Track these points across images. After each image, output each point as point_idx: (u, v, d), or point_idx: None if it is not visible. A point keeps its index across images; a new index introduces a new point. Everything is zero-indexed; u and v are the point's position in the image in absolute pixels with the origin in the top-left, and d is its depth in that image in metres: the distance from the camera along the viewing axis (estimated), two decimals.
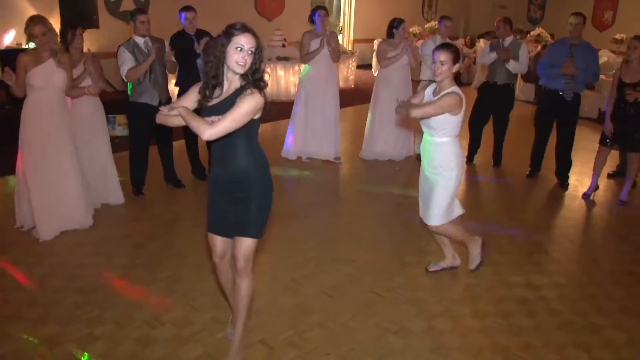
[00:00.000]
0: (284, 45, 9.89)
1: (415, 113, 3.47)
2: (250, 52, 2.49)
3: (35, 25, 3.99)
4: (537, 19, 15.29)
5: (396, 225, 4.76)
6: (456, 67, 3.52)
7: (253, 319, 3.27)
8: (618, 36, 11.94)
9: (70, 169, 4.36)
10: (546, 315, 3.47)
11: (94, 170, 4.77)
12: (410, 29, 12.43)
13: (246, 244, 2.71)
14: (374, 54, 13.42)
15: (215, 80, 2.56)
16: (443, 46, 3.56)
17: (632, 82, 5.14)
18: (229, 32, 2.49)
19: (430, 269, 3.97)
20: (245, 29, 2.50)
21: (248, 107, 2.48)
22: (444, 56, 3.46)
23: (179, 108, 2.50)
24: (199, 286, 3.65)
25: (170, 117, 2.57)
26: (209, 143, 2.65)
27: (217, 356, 2.94)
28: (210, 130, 2.42)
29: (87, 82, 4.55)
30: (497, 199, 5.61)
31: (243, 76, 2.55)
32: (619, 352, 3.14)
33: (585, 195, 5.61)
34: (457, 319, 3.39)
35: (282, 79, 9.58)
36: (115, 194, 4.93)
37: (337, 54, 6.26)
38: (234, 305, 2.96)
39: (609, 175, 6.15)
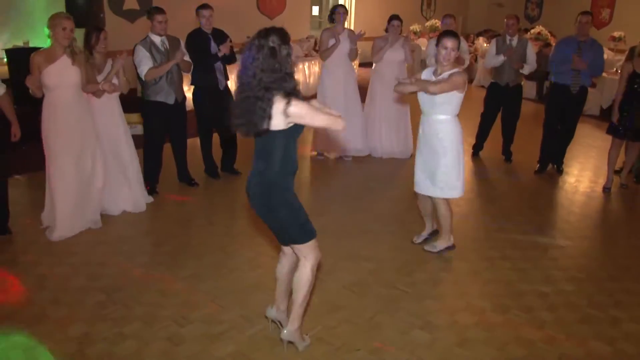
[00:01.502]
0: None
1: (433, 89, 3.70)
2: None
3: (67, 19, 4.06)
4: (535, 16, 15.38)
5: (410, 222, 4.78)
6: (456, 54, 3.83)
7: None
8: (616, 34, 12.03)
9: (89, 168, 4.38)
10: (566, 309, 3.52)
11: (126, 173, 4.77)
12: (411, 27, 12.47)
13: None
14: None
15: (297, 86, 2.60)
16: (450, 33, 3.79)
17: None
18: (287, 40, 2.53)
19: (416, 241, 4.34)
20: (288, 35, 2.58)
21: None
22: (452, 43, 3.72)
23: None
24: (222, 284, 3.67)
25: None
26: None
27: (249, 353, 2.97)
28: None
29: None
30: (507, 194, 5.65)
31: None
32: None
33: (606, 189, 5.79)
34: (480, 313, 3.43)
35: None
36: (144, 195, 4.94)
37: (356, 53, 6.39)
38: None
39: (615, 172, 6.21)
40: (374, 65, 6.59)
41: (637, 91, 5.38)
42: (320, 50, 6.34)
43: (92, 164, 4.39)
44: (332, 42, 6.07)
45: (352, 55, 6.28)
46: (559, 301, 3.61)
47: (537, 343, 3.16)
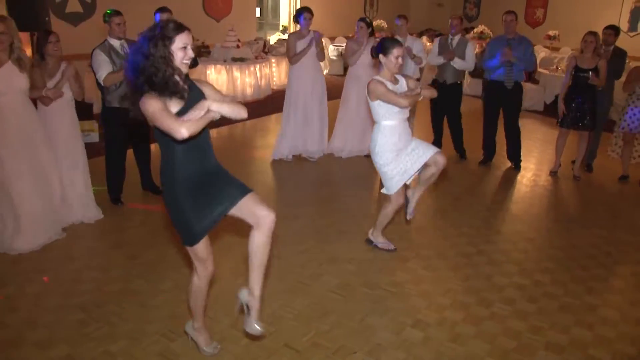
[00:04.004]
0: (238, 46, 9.76)
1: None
2: (190, 48, 2.45)
3: None
4: (473, 16, 15.91)
5: None
6: None
7: (272, 323, 3.26)
8: (551, 33, 12.62)
9: (48, 174, 4.18)
10: (546, 299, 3.67)
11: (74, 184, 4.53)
12: None
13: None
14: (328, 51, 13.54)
15: (178, 85, 2.43)
16: (397, 42, 3.86)
17: (589, 68, 5.79)
18: (170, 32, 2.42)
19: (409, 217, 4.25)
20: (183, 25, 2.45)
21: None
22: (400, 51, 3.82)
23: (206, 102, 2.36)
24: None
25: (206, 119, 2.34)
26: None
27: None
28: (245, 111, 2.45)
29: (66, 91, 4.35)
30: (471, 191, 5.80)
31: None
32: (617, 328, 3.37)
33: (552, 173, 6.32)
34: (466, 308, 3.52)
35: (238, 80, 9.46)
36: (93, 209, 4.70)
37: (324, 53, 6.42)
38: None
39: (573, 163, 6.52)
40: (325, 67, 6.62)
41: (579, 83, 5.84)
42: (289, 55, 6.27)
43: (48, 170, 4.18)
44: (300, 45, 6.07)
45: (320, 56, 6.32)
46: (538, 292, 3.75)
47: (525, 333, 3.27)
